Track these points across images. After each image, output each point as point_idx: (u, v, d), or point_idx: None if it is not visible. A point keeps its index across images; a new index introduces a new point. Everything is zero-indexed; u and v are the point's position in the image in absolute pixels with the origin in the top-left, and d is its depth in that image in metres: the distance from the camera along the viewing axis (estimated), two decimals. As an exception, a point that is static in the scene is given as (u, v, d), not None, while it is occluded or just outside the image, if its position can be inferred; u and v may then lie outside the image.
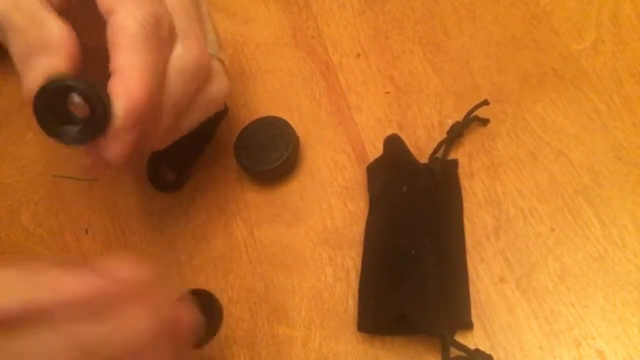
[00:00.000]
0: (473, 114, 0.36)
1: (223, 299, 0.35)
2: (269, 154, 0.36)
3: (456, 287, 0.32)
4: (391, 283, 0.31)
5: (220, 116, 0.42)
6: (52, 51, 0.26)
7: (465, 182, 0.35)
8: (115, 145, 0.27)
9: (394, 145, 0.35)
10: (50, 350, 0.20)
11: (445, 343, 0.30)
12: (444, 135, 0.36)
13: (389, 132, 0.36)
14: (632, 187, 0.33)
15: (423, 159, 0.36)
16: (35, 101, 0.26)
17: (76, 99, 0.26)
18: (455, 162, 0.36)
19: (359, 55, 0.41)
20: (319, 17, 0.43)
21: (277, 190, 0.38)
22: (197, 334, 0.27)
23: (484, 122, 0.36)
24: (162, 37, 0.27)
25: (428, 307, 0.30)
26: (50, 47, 0.26)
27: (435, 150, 0.36)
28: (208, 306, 0.34)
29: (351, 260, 0.35)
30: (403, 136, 0.36)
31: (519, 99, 0.37)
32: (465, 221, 0.34)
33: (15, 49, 0.27)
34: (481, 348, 0.30)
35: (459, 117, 0.36)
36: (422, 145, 0.37)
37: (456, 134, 0.36)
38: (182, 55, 0.28)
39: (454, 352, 0.30)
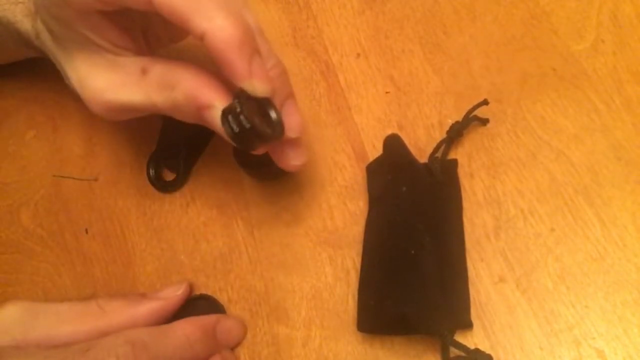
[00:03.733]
0: (473, 114, 0.36)
1: (223, 299, 0.35)
2: (269, 154, 0.36)
3: (456, 287, 0.32)
4: (391, 283, 0.31)
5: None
6: (203, 101, 0.28)
7: (465, 182, 0.35)
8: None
9: (393, 145, 0.35)
10: (109, 345, 0.28)
11: (445, 343, 0.30)
12: (444, 135, 0.36)
13: (389, 132, 0.36)
14: (632, 187, 0.33)
15: (423, 159, 0.36)
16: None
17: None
18: (455, 162, 0.36)
19: (359, 55, 0.41)
20: (319, 17, 0.43)
21: (277, 190, 0.38)
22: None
23: (484, 122, 0.36)
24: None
25: (428, 307, 0.30)
26: (196, 99, 0.28)
27: (435, 150, 0.36)
28: (211, 311, 0.34)
29: (351, 260, 0.35)
30: (403, 136, 0.36)
31: (519, 99, 0.37)
32: (465, 221, 0.34)
33: (182, 117, 0.30)
34: (481, 348, 0.30)
35: (459, 117, 0.36)
36: (422, 145, 0.37)
37: (456, 133, 0.36)
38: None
39: (453, 352, 0.30)
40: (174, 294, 0.34)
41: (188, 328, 0.31)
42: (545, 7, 0.39)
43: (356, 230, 0.35)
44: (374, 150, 0.37)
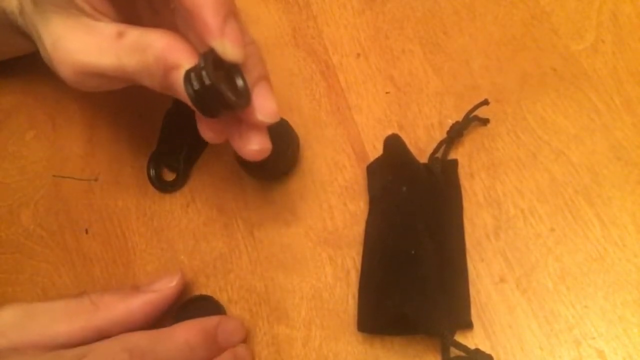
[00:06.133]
0: (473, 114, 0.36)
1: (223, 299, 0.35)
2: (269, 154, 0.36)
3: (456, 287, 0.32)
4: (391, 283, 0.31)
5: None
6: (171, 61, 0.27)
7: (465, 182, 0.35)
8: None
9: (394, 145, 0.35)
10: (106, 352, 0.28)
11: (445, 343, 0.30)
12: (444, 135, 0.36)
13: (389, 132, 0.36)
14: (632, 187, 0.33)
15: (423, 159, 0.36)
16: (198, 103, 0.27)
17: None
18: (455, 162, 0.36)
19: (359, 55, 0.41)
20: (319, 17, 0.43)
21: (277, 190, 0.38)
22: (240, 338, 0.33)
23: (484, 122, 0.36)
24: None
25: (428, 307, 0.30)
26: (165, 59, 0.27)
27: (435, 150, 0.36)
28: (212, 311, 0.34)
29: (351, 260, 0.35)
30: (403, 136, 0.36)
31: (519, 99, 0.37)
32: (465, 221, 0.34)
33: (151, 82, 0.29)
34: (481, 348, 0.30)
35: (459, 117, 0.36)
36: (422, 145, 0.37)
37: (456, 133, 0.36)
38: None
39: (454, 352, 0.30)
40: (168, 285, 0.33)
41: (189, 332, 0.31)
42: (545, 7, 0.39)
43: (356, 230, 0.35)
44: (374, 150, 0.37)
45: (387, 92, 0.39)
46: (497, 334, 0.31)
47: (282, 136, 0.37)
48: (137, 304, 0.32)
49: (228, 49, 0.27)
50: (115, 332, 0.30)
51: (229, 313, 0.35)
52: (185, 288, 0.35)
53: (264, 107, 0.29)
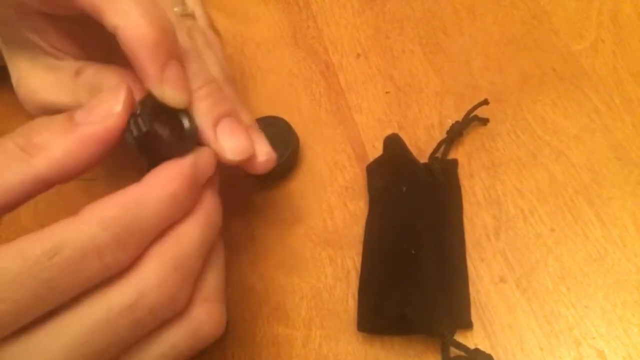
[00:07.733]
0: (473, 114, 0.36)
1: (223, 299, 0.35)
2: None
3: (456, 287, 0.32)
4: (391, 283, 0.31)
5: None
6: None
7: (465, 182, 0.35)
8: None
9: (393, 145, 0.35)
10: (83, 241, 0.23)
11: (445, 343, 0.30)
12: (444, 135, 0.36)
13: (389, 132, 0.36)
14: (632, 187, 0.33)
15: (423, 159, 0.36)
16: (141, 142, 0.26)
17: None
18: (455, 162, 0.36)
19: (359, 55, 0.41)
20: (319, 17, 0.43)
21: (277, 190, 0.38)
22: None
23: (484, 122, 0.36)
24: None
25: (428, 307, 0.30)
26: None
27: (435, 150, 0.36)
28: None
29: (351, 260, 0.35)
30: (403, 136, 0.36)
31: (519, 99, 0.37)
32: (465, 221, 0.34)
33: None
34: (481, 348, 0.30)
35: (459, 117, 0.36)
36: (422, 145, 0.37)
37: (456, 133, 0.36)
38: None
39: (454, 352, 0.30)
40: (111, 112, 0.25)
41: (172, 183, 0.25)
42: (545, 7, 0.39)
43: (356, 230, 0.35)
44: (374, 150, 0.37)
45: (387, 92, 0.39)
46: (497, 334, 0.31)
47: (282, 136, 0.37)
48: (75, 142, 0.25)
49: (167, 94, 0.26)
50: (56, 180, 0.26)
51: (229, 313, 0.35)
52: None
53: (231, 145, 0.28)
